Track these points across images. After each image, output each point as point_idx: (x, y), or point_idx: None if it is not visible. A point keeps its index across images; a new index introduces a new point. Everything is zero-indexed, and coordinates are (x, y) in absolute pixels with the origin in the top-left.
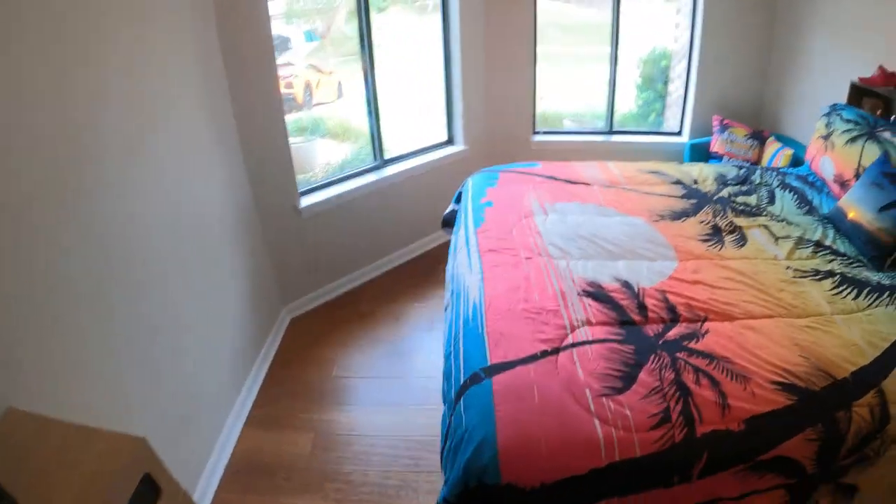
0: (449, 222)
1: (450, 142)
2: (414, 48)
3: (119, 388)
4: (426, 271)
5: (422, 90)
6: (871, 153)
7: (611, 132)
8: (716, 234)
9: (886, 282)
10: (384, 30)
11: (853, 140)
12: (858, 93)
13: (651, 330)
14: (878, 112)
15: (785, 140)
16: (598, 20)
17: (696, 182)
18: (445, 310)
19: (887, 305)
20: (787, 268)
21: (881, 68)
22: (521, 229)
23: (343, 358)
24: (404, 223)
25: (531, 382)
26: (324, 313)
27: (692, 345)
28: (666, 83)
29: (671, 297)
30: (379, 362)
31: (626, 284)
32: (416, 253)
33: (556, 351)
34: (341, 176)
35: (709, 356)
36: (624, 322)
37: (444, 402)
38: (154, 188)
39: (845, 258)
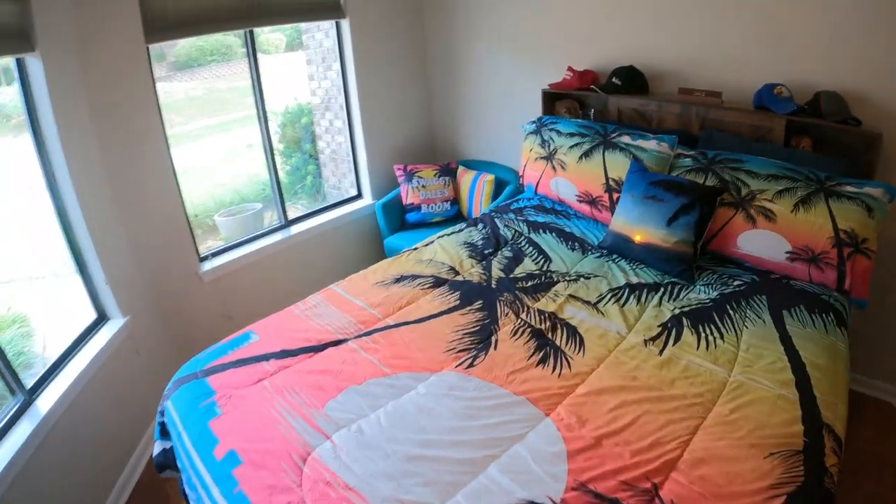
0: (167, 464)
1: (101, 319)
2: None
3: None
4: None
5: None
6: (617, 163)
7: (287, 224)
8: (542, 344)
9: (714, 294)
10: None
11: (587, 154)
12: (550, 98)
13: None
14: (575, 113)
15: (474, 164)
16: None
17: (455, 272)
18: None
19: (744, 322)
20: (645, 342)
21: (571, 69)
22: (313, 490)
23: None
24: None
25: None
26: None
27: None
28: (314, 141)
29: (593, 486)
30: None
31: None
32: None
33: None
34: None
35: None
36: None
37: None
38: None
39: (659, 289)
